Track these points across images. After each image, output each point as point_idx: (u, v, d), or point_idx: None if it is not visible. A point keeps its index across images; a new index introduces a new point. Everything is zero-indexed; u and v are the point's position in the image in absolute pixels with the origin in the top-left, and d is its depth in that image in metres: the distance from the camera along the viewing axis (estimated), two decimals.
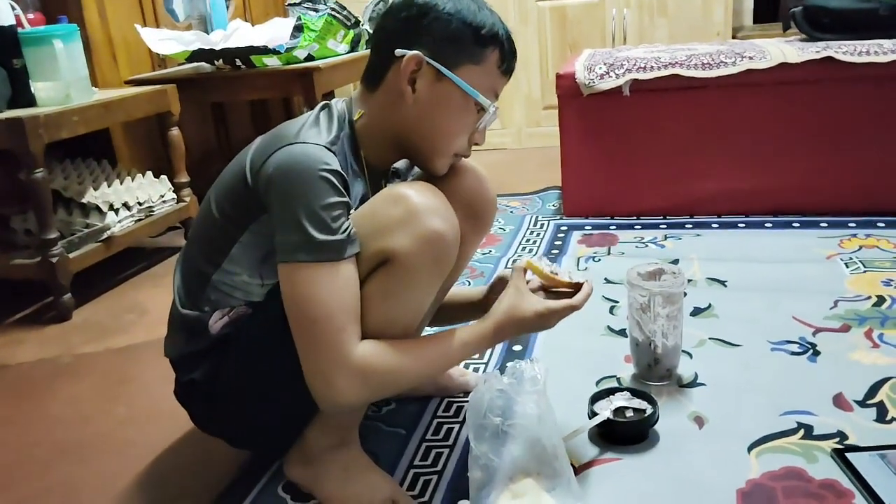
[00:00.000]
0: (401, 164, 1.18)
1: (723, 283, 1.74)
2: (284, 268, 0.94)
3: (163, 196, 2.27)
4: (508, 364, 1.02)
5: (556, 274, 1.10)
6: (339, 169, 0.95)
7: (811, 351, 1.40)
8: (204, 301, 1.05)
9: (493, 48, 1.03)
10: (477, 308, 1.23)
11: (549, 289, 1.11)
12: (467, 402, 1.30)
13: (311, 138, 0.97)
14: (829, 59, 2.02)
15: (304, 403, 1.00)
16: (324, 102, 1.07)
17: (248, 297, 1.04)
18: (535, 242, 2.14)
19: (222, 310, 1.05)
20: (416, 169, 1.19)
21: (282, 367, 0.99)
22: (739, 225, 2.13)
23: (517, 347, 1.50)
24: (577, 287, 1.09)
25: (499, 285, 1.20)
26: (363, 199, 1.04)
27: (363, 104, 1.07)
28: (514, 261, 2.00)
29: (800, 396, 1.25)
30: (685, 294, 1.31)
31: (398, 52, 1.01)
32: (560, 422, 1.02)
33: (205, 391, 1.08)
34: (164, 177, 2.33)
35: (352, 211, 0.99)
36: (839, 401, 1.23)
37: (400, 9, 1.04)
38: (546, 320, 1.06)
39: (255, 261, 1.02)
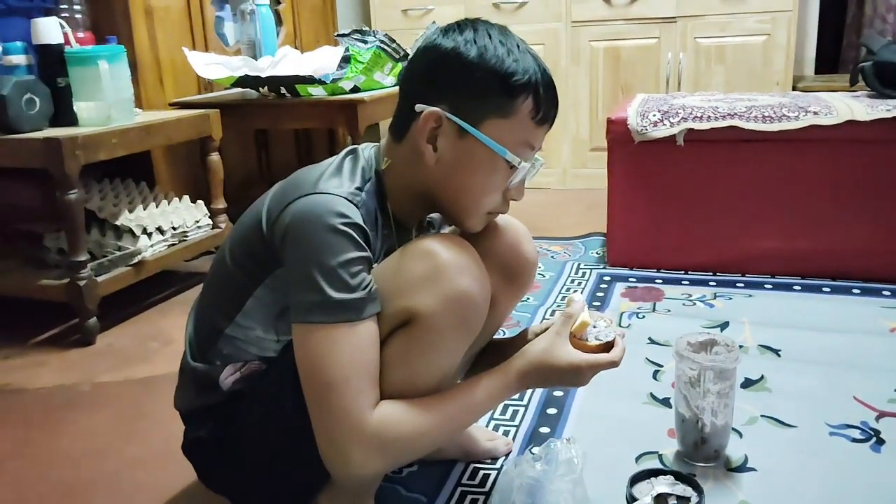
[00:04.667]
0: (436, 214, 1.10)
1: (776, 351, 1.62)
2: (298, 328, 0.87)
3: (198, 221, 2.24)
4: (539, 447, 0.93)
5: (586, 340, 1.00)
6: (360, 222, 0.88)
7: (874, 439, 1.27)
8: (215, 354, 0.99)
9: (524, 98, 0.92)
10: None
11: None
12: (494, 470, 1.23)
13: (332, 188, 0.90)
14: None
15: (315, 468, 0.92)
16: (350, 147, 1.00)
17: (262, 352, 0.97)
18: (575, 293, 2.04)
19: (234, 364, 0.98)
20: None
21: (294, 429, 0.92)
22: (795, 287, 2.00)
23: (551, 411, 1.40)
24: (608, 346, 1.00)
25: (521, 340, 1.11)
26: (388, 254, 0.96)
27: (390, 154, 0.99)
28: (563, 297, 1.93)
29: (861, 492, 1.13)
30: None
31: (417, 107, 0.93)
32: (593, 500, 0.92)
33: (212, 448, 1.01)
34: (200, 202, 2.29)
35: (375, 265, 0.92)
36: None
37: (423, 55, 0.95)
38: (580, 375, 0.97)
39: (271, 316, 0.95)
